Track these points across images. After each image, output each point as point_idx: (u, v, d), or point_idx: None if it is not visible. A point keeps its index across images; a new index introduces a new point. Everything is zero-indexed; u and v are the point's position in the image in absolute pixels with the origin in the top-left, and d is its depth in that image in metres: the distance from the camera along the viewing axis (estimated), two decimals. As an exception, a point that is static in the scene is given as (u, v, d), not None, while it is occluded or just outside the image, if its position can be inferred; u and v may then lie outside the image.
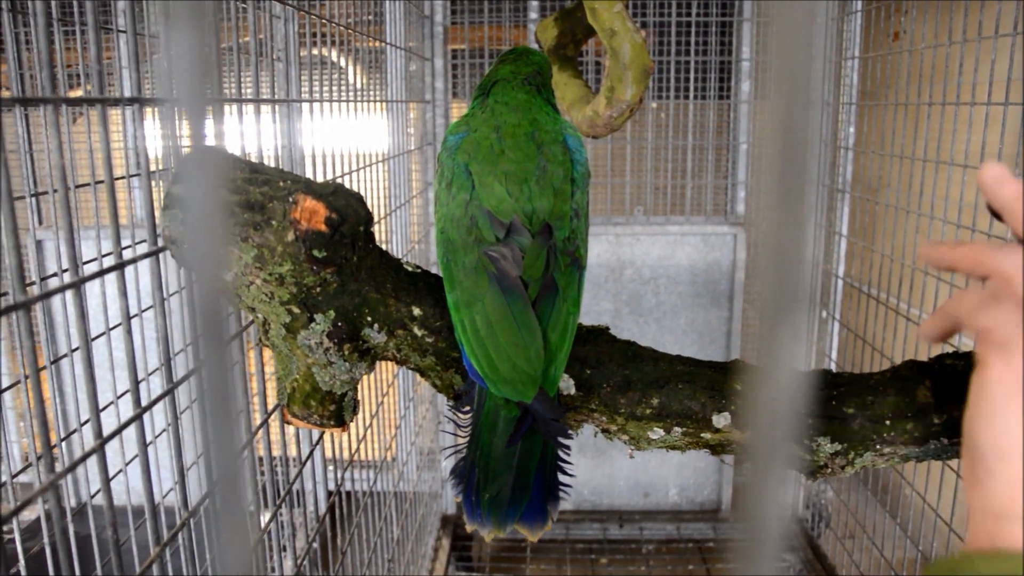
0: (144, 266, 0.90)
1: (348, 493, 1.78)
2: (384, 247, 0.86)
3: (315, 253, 0.76)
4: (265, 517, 1.23)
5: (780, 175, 0.13)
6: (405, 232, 2.31)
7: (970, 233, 1.82)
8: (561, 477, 0.79)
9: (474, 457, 0.77)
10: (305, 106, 1.40)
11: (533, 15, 2.73)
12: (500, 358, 0.75)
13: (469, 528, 0.77)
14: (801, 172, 0.14)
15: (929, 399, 0.83)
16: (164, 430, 1.38)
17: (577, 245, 0.82)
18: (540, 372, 0.76)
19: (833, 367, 2.74)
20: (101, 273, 0.81)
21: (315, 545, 1.40)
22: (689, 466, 2.95)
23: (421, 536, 2.49)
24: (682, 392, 0.82)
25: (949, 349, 1.04)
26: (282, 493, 1.20)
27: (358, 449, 1.58)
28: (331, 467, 2.02)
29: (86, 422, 0.98)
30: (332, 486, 1.92)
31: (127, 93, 1.36)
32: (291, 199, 0.76)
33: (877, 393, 0.84)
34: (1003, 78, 1.70)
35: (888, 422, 0.82)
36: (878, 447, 0.82)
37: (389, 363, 0.87)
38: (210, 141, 0.18)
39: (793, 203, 0.13)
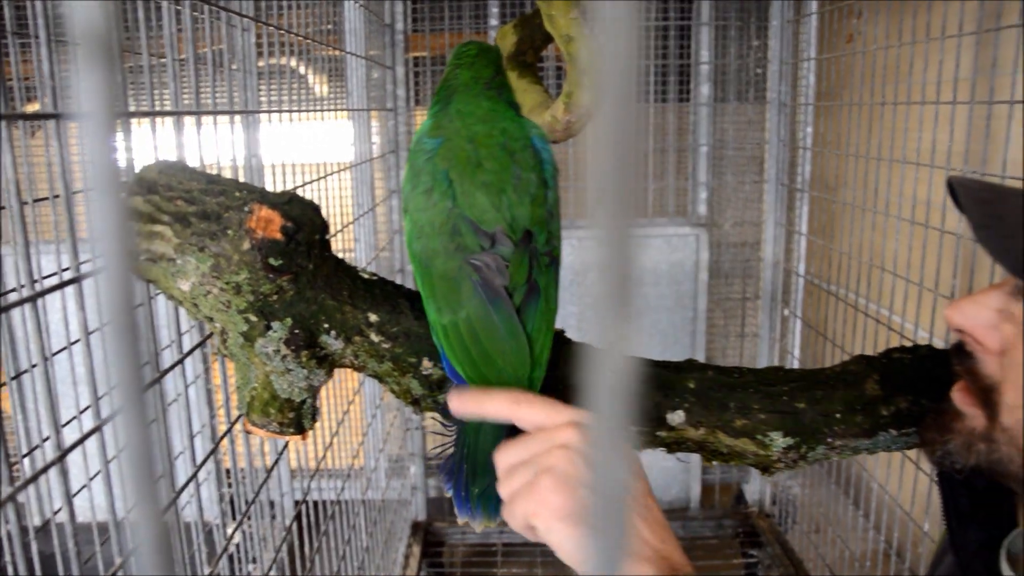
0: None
1: (316, 503, 1.78)
2: (350, 255, 0.87)
3: (271, 261, 0.76)
4: (231, 529, 1.23)
5: (610, 173, 0.15)
6: (370, 239, 2.32)
7: (923, 229, 1.86)
8: None
9: (462, 454, 0.79)
10: (265, 116, 1.41)
11: (493, 22, 2.74)
12: (485, 364, 0.77)
13: (460, 521, 0.79)
14: (628, 171, 0.15)
15: (878, 392, 0.85)
16: (126, 446, 1.37)
17: (555, 244, 0.83)
18: (527, 376, 0.77)
19: (796, 364, 2.78)
20: (59, 287, 0.81)
21: (283, 555, 1.40)
22: (656, 466, 2.97)
23: (391, 543, 2.49)
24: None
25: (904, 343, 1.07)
26: (247, 504, 1.20)
27: (324, 457, 1.58)
28: (299, 477, 2.02)
29: (47, 438, 0.98)
30: (300, 496, 1.91)
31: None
32: (247, 208, 0.77)
33: (827, 387, 0.86)
34: (951, 78, 1.74)
35: (839, 415, 0.84)
36: (829, 440, 0.84)
37: (353, 372, 0.88)
38: (118, 157, 0.19)
39: (621, 199, 0.15)
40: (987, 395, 0.68)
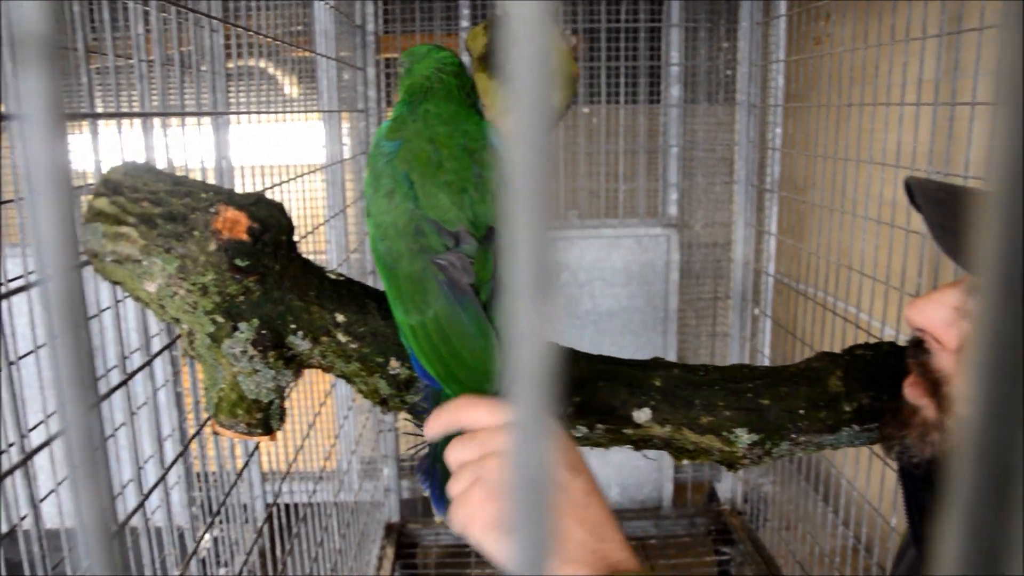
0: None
1: (288, 505, 1.77)
2: (322, 256, 0.87)
3: (237, 262, 0.76)
4: (201, 532, 1.23)
5: (526, 171, 0.15)
6: (342, 241, 2.31)
7: (890, 229, 1.89)
8: None
9: (435, 453, 0.79)
10: (234, 117, 1.40)
11: (464, 23, 2.75)
12: (454, 362, 0.77)
13: (438, 520, 0.79)
14: (543, 168, 0.15)
15: (840, 388, 0.87)
16: (96, 450, 1.36)
17: None
18: (497, 371, 0.78)
19: (767, 362, 2.80)
20: (22, 289, 0.80)
21: (254, 558, 1.40)
22: (629, 465, 2.98)
23: (364, 545, 2.48)
24: (603, 390, 0.84)
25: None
26: (216, 508, 1.19)
27: (295, 460, 1.58)
28: (270, 480, 2.01)
29: (12, 444, 0.97)
30: (271, 498, 1.91)
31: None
32: (213, 210, 0.77)
33: (791, 384, 0.87)
34: (916, 79, 1.77)
35: (802, 411, 0.86)
36: (793, 436, 0.86)
37: (324, 372, 0.88)
38: (60, 158, 0.20)
39: (536, 195, 0.15)
40: (936, 387, 0.69)
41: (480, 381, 0.77)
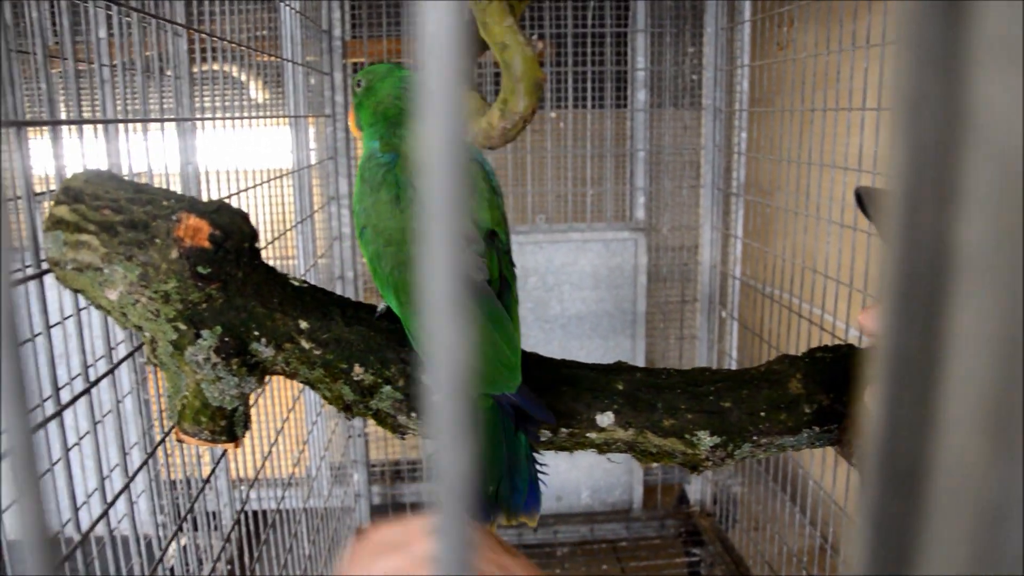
0: (32, 288, 0.89)
1: (256, 512, 1.76)
2: (290, 262, 0.87)
3: (199, 270, 0.76)
4: (166, 540, 1.22)
5: (440, 183, 0.16)
6: (310, 247, 2.30)
7: (852, 232, 1.91)
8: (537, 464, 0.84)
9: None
10: (200, 123, 1.39)
11: (432, 28, 2.74)
12: (479, 360, 0.79)
13: (478, 525, 0.80)
14: (457, 176, 0.16)
15: (801, 390, 0.88)
16: (59, 460, 1.35)
17: (509, 245, 0.90)
18: (519, 362, 0.81)
19: (734, 364, 2.82)
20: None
21: (222, 565, 1.39)
22: (599, 467, 3.00)
23: (335, 551, 2.47)
24: (566, 394, 0.85)
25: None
26: (182, 515, 1.19)
27: (263, 466, 1.57)
28: (239, 487, 2.00)
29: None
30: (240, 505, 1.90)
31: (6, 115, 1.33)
32: (174, 217, 0.77)
33: (752, 387, 0.88)
34: (877, 84, 1.79)
35: (763, 413, 0.87)
36: (755, 438, 0.87)
37: (291, 380, 0.88)
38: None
39: (450, 205, 0.16)
40: None
41: (502, 373, 0.80)
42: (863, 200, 0.71)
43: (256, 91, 2.59)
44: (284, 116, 2.17)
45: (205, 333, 0.78)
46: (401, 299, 0.83)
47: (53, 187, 0.94)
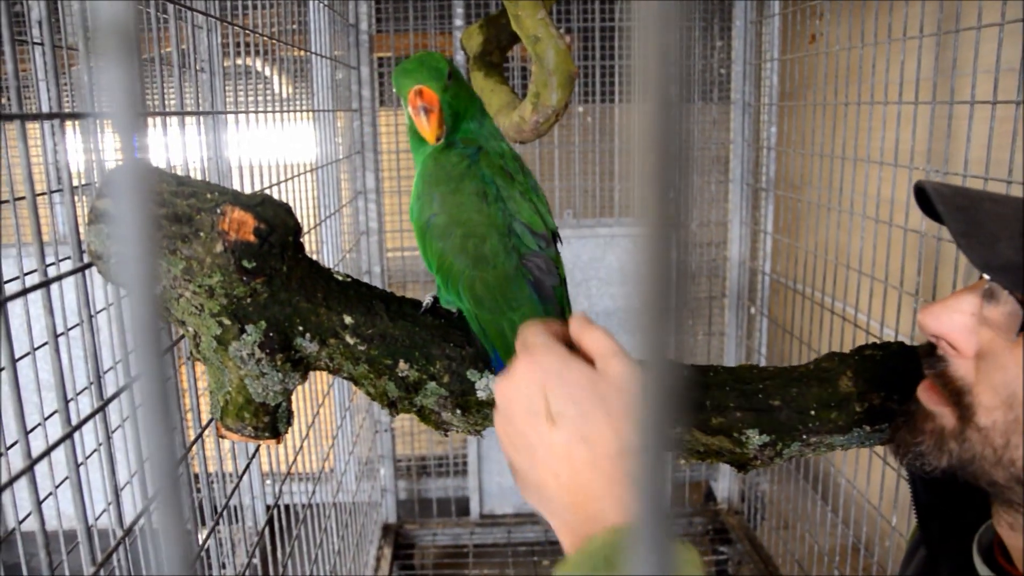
0: (69, 283, 0.89)
1: (287, 506, 1.76)
2: (315, 257, 0.86)
3: (244, 264, 0.75)
4: (203, 534, 1.22)
5: (653, 180, 0.14)
6: (336, 241, 2.30)
7: (887, 228, 1.89)
8: None
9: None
10: (231, 117, 1.39)
11: (458, 22, 2.74)
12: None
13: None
14: (672, 177, 0.15)
15: (851, 388, 0.86)
16: (95, 450, 1.35)
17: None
18: None
19: (763, 361, 2.80)
20: (25, 292, 0.79)
21: (255, 560, 1.39)
22: (626, 465, 2.98)
23: (362, 545, 2.47)
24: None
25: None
26: (219, 509, 1.18)
27: (295, 461, 1.57)
28: (269, 481, 2.00)
29: (13, 444, 0.96)
30: (271, 500, 1.90)
31: (45, 107, 1.33)
32: (219, 211, 0.76)
33: (802, 384, 0.87)
34: (912, 78, 1.77)
35: (813, 412, 0.85)
36: (804, 437, 0.85)
37: (323, 374, 0.87)
38: (138, 155, 0.19)
39: (666, 205, 0.14)
40: (958, 396, 0.67)
41: None
42: (930, 197, 0.68)
43: (280, 85, 2.58)
44: (311, 111, 2.17)
45: (250, 328, 0.78)
46: (476, 293, 0.82)
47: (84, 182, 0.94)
